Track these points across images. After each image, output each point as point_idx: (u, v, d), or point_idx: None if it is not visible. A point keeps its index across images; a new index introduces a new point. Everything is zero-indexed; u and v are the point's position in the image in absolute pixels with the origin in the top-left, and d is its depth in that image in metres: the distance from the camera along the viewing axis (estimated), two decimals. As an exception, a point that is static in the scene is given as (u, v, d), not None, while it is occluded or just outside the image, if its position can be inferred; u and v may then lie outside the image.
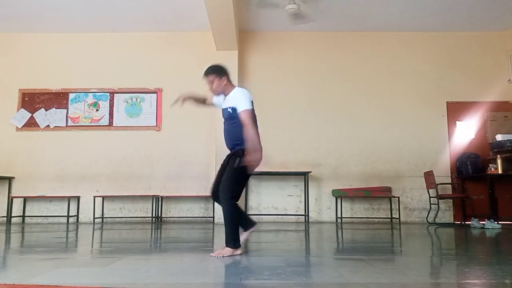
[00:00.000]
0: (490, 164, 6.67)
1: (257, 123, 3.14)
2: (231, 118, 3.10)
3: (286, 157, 6.90)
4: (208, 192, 7.53)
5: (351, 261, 2.78)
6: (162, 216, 6.91)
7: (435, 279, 2.30)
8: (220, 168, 3.20)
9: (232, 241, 3.00)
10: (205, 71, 3.17)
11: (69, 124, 7.19)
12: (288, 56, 7.25)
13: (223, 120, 3.21)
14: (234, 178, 3.04)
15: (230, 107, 3.10)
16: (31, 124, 7.17)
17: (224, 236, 3.04)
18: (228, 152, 3.18)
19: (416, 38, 7.37)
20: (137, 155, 7.07)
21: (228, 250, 2.97)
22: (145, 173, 7.04)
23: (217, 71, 3.15)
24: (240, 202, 7.25)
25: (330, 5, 6.32)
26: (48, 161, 7.07)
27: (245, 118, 2.99)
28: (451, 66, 7.28)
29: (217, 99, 3.31)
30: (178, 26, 7.12)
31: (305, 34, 7.35)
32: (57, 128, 7.17)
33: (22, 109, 7.20)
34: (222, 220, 6.88)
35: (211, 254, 2.98)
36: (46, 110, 7.21)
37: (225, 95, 3.18)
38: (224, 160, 3.19)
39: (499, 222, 5.98)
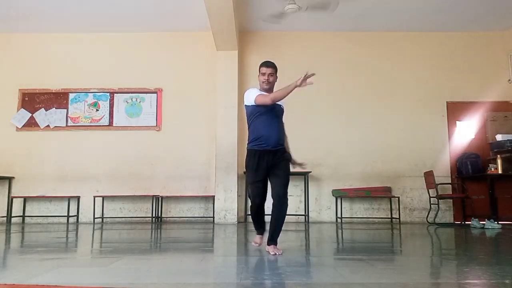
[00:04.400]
0: (490, 164, 6.67)
1: None
2: (282, 115, 3.27)
3: (286, 157, 6.90)
4: (207, 192, 7.50)
5: (351, 261, 2.78)
6: (162, 216, 6.90)
7: (435, 279, 2.30)
8: (259, 172, 3.26)
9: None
10: (271, 63, 3.20)
11: (69, 124, 7.19)
12: (288, 56, 7.23)
13: (271, 116, 3.19)
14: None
15: (282, 105, 3.26)
16: (31, 124, 7.17)
17: (274, 235, 3.20)
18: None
19: (416, 38, 7.37)
20: (137, 155, 7.07)
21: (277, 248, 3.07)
22: (145, 173, 7.03)
23: (276, 68, 3.25)
24: (241, 202, 7.23)
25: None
26: (48, 161, 7.07)
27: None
28: (451, 66, 7.28)
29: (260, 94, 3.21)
30: (178, 26, 7.12)
31: (305, 34, 7.35)
32: (57, 128, 7.17)
33: (22, 109, 7.20)
34: (222, 220, 6.87)
35: (272, 253, 3.04)
36: (46, 110, 7.21)
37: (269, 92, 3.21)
38: (262, 160, 3.21)
39: (499, 222, 5.98)
